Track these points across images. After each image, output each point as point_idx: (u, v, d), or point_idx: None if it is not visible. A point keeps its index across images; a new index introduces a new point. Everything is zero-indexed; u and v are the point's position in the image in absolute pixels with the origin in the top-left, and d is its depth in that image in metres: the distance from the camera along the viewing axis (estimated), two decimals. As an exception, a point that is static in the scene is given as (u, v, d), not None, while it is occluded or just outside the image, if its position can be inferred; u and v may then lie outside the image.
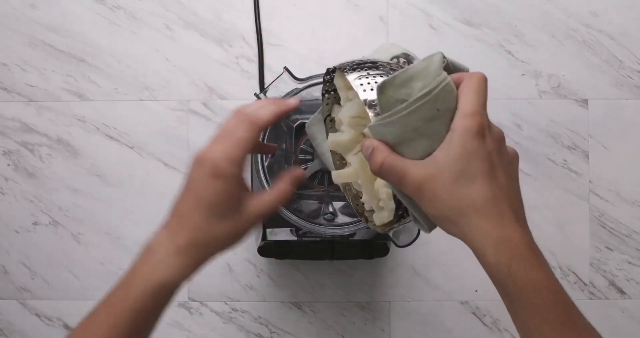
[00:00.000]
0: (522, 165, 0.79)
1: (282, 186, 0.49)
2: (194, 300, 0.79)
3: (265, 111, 0.46)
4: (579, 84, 0.79)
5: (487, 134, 0.40)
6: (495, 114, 0.79)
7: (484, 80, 0.41)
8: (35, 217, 0.79)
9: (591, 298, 0.78)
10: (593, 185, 0.79)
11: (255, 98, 0.66)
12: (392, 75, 0.40)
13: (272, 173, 0.65)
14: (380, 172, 0.41)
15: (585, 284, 0.78)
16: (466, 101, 0.40)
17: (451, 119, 0.40)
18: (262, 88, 0.78)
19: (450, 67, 0.43)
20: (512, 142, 0.79)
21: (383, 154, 0.41)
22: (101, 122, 0.79)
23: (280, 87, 0.65)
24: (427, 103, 0.39)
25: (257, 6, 0.79)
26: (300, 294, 0.79)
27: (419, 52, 0.79)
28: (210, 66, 0.79)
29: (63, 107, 0.79)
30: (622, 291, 0.79)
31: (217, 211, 0.44)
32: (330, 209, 0.64)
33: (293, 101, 0.48)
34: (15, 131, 0.79)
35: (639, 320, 0.79)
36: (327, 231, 0.64)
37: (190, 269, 0.44)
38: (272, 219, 0.67)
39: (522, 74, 0.79)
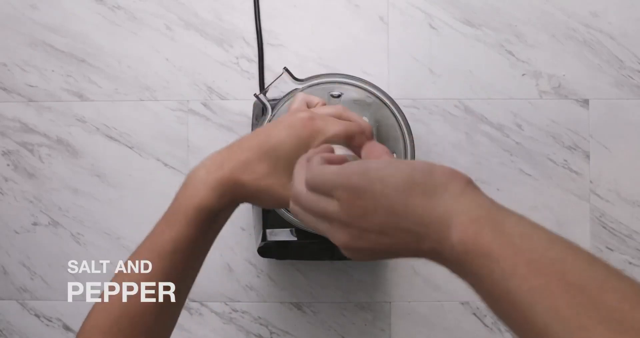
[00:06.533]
0: (523, 165, 0.79)
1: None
2: (194, 301, 0.78)
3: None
4: (580, 84, 0.79)
5: None
6: (496, 114, 0.79)
7: None
8: (35, 217, 0.79)
9: (592, 299, 0.78)
10: (593, 185, 0.79)
11: (255, 98, 0.66)
12: None
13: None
14: None
15: (586, 284, 0.78)
16: None
17: None
18: (262, 88, 0.78)
19: None
20: (513, 142, 0.79)
21: None
22: (101, 122, 0.79)
23: (280, 87, 0.65)
24: None
25: (257, 6, 0.79)
26: (300, 294, 0.79)
27: (419, 53, 0.79)
28: (211, 66, 0.79)
29: (63, 108, 0.79)
30: (622, 292, 0.78)
31: (275, 157, 0.45)
32: None
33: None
34: (15, 131, 0.79)
35: None
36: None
37: (225, 203, 0.45)
38: (272, 219, 0.67)
39: (523, 74, 0.79)
